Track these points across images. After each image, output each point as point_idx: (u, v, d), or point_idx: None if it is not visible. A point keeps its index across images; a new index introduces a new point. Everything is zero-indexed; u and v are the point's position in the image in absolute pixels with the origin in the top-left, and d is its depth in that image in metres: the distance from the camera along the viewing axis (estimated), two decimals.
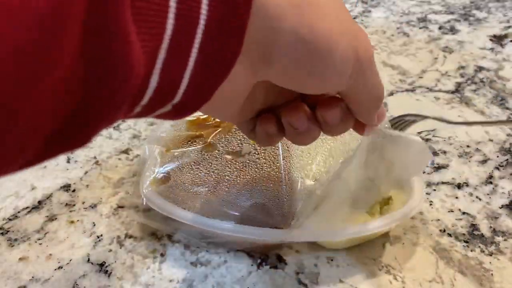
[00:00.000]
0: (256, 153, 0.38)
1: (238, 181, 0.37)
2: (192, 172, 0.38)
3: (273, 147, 0.38)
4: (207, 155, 0.38)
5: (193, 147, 0.39)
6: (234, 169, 0.37)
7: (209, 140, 0.39)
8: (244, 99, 0.26)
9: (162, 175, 0.38)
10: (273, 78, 0.24)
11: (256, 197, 0.36)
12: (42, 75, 0.14)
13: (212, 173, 0.37)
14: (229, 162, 0.38)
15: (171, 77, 0.19)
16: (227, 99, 0.25)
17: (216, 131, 0.40)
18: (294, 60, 0.22)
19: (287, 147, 0.38)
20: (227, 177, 0.37)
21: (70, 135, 0.17)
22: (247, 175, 0.37)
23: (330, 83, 0.24)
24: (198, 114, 0.41)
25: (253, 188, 0.36)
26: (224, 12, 0.19)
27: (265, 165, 0.37)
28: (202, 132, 0.40)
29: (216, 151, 0.39)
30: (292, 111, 0.28)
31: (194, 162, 0.38)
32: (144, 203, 0.36)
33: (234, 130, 0.40)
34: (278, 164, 0.37)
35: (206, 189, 0.36)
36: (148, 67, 0.18)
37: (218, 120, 0.41)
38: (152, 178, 0.37)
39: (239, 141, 0.39)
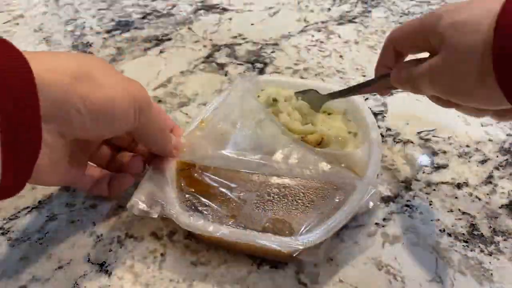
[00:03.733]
0: (240, 189, 0.38)
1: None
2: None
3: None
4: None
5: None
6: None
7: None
8: (67, 159, 0.32)
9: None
10: (78, 135, 0.30)
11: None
12: None
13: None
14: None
15: None
16: (52, 165, 0.30)
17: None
18: (88, 119, 0.28)
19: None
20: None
21: None
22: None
23: (119, 126, 0.31)
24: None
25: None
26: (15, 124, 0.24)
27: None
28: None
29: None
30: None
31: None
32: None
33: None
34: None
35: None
36: None
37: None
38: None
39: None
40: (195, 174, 0.39)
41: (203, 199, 0.37)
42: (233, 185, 0.38)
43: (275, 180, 0.39)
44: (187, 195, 0.37)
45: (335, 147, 0.42)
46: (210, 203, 0.36)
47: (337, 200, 0.36)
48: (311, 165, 0.39)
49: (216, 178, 0.39)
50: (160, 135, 0.37)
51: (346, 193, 0.37)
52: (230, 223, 0.35)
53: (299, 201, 0.37)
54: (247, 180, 0.39)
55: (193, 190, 0.37)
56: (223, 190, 0.38)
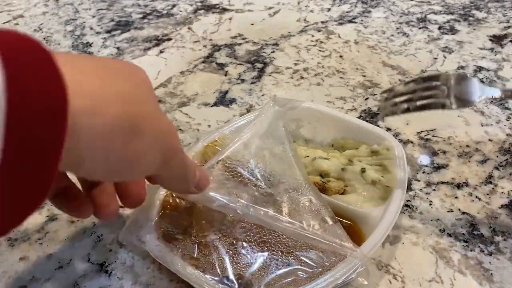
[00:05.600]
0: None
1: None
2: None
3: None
4: None
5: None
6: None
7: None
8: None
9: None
10: (81, 175, 0.28)
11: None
12: None
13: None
14: None
15: None
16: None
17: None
18: (103, 169, 0.23)
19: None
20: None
21: None
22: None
23: (131, 177, 0.29)
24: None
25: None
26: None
27: None
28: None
29: None
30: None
31: None
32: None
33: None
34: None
35: None
36: None
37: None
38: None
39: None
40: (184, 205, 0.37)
41: (178, 234, 0.35)
42: (213, 229, 0.35)
43: (258, 230, 0.35)
44: (164, 224, 0.36)
45: (353, 199, 0.39)
46: (184, 239, 0.35)
47: (316, 270, 0.32)
48: (305, 218, 0.35)
49: (201, 215, 0.36)
50: (183, 185, 0.32)
51: (330, 262, 0.33)
52: (189, 263, 0.33)
53: (274, 261, 0.33)
54: (230, 224, 0.35)
55: (174, 224, 0.36)
56: (201, 231, 0.35)
